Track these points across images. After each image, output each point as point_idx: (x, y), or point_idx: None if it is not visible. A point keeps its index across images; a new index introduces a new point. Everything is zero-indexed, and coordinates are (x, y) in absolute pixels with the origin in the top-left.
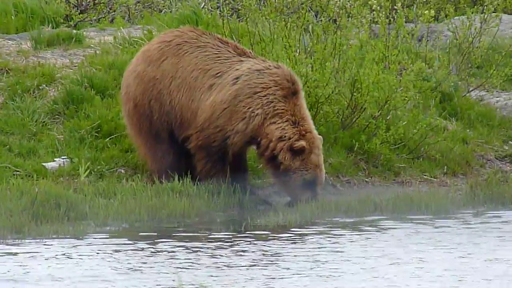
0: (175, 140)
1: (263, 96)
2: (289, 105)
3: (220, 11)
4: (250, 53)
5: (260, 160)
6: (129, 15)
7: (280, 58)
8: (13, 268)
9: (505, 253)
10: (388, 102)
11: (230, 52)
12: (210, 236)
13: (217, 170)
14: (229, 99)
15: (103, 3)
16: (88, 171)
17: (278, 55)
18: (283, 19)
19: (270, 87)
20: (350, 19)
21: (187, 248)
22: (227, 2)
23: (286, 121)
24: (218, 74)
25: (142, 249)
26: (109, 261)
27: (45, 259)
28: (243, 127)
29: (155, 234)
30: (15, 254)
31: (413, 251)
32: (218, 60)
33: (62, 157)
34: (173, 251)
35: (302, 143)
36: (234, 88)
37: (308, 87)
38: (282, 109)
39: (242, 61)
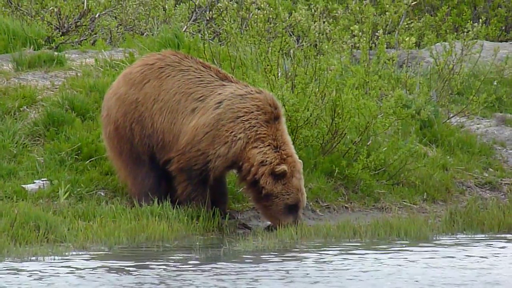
0: (156, 163)
1: (246, 121)
2: (271, 130)
3: (201, 34)
4: (232, 77)
5: (241, 185)
6: (111, 37)
7: (257, 82)
8: None
9: None
10: (369, 127)
11: (213, 76)
12: (188, 260)
13: (197, 194)
14: (212, 123)
15: (84, 25)
16: (68, 193)
17: (255, 79)
18: (264, 43)
19: (253, 112)
20: (330, 44)
21: (164, 271)
22: (208, 25)
23: (268, 145)
24: (201, 98)
25: (120, 272)
26: (86, 284)
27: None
28: (225, 151)
29: (134, 257)
30: None
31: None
32: (201, 84)
33: (42, 179)
34: (150, 275)
35: (284, 167)
36: (217, 112)
37: (287, 110)
38: (264, 134)
39: (224, 85)
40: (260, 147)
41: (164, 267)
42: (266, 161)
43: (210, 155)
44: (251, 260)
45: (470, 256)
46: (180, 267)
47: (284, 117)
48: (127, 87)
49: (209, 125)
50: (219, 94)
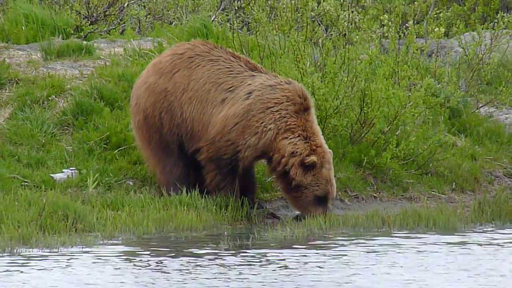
0: (184, 153)
1: (276, 111)
2: (301, 121)
3: (230, 24)
4: (262, 68)
5: (271, 175)
6: (139, 27)
7: (289, 71)
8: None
9: None
10: (398, 117)
11: (242, 66)
12: (218, 250)
13: (226, 183)
14: (242, 113)
15: (113, 14)
16: (96, 182)
17: (287, 68)
18: (293, 33)
19: (282, 103)
20: (359, 34)
21: (195, 261)
22: (237, 15)
23: (298, 136)
24: (231, 89)
25: (149, 262)
26: (115, 274)
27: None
28: (255, 142)
29: (163, 246)
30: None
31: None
32: (231, 74)
33: (71, 168)
34: (181, 264)
35: (313, 158)
36: (247, 103)
37: (316, 100)
38: (294, 125)
39: (254, 76)
40: (290, 138)
41: (193, 256)
42: (296, 152)
43: (240, 145)
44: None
45: None
46: (209, 257)
47: (313, 108)
48: (157, 76)
49: (239, 115)
50: (249, 84)
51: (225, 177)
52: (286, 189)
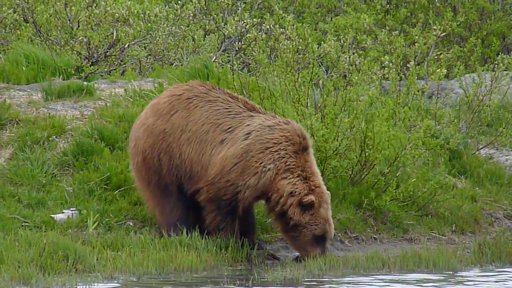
0: (184, 194)
1: (275, 152)
2: (300, 161)
3: (230, 65)
4: (260, 108)
5: (270, 215)
6: (140, 67)
7: (288, 113)
8: None
9: None
10: (398, 159)
11: (241, 107)
12: None
13: (226, 224)
14: (241, 154)
15: (114, 55)
16: (97, 223)
17: (285, 110)
18: (293, 73)
19: (281, 143)
20: (359, 75)
21: None
22: (238, 56)
23: (297, 176)
24: (229, 129)
25: None
26: None
27: None
28: (254, 182)
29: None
30: None
31: None
32: (229, 115)
33: (71, 208)
34: None
35: (311, 197)
36: (246, 143)
37: (316, 141)
38: (294, 165)
39: (252, 116)
40: (290, 178)
41: None
42: (295, 192)
43: (240, 186)
44: None
45: None
46: None
47: (312, 148)
48: (155, 117)
49: (238, 156)
50: (248, 125)
51: (225, 218)
52: (285, 229)
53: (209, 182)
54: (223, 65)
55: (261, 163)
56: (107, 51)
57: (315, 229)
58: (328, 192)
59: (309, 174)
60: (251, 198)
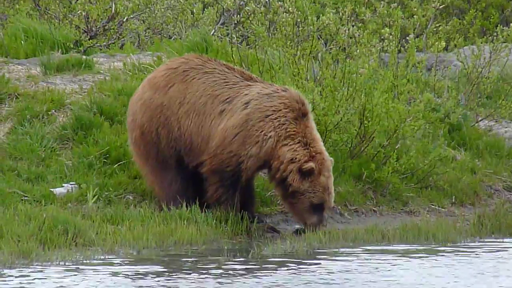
0: (183, 167)
1: (275, 119)
2: (300, 127)
3: (229, 38)
4: (257, 78)
5: (271, 183)
6: (139, 41)
7: (287, 86)
8: None
9: None
10: (397, 131)
11: (237, 77)
12: (218, 264)
13: (227, 196)
14: (241, 124)
15: (113, 29)
16: (96, 197)
17: (285, 83)
18: (292, 47)
19: (281, 110)
20: (358, 47)
21: (194, 274)
22: (236, 29)
23: (298, 142)
24: (228, 100)
25: (149, 276)
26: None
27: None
28: (256, 151)
29: (163, 261)
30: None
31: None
32: (227, 85)
33: (71, 183)
34: (180, 278)
35: (311, 164)
36: (245, 113)
37: (316, 115)
38: (294, 131)
39: (250, 85)
40: (290, 145)
41: (193, 271)
42: (295, 158)
43: (242, 156)
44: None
45: None
46: (209, 271)
47: (311, 113)
48: (152, 91)
49: (238, 126)
50: (246, 94)
51: (227, 190)
52: (284, 195)
53: (212, 154)
54: (222, 38)
55: (261, 131)
56: (106, 25)
57: (313, 197)
58: (331, 158)
59: (309, 140)
60: (254, 167)
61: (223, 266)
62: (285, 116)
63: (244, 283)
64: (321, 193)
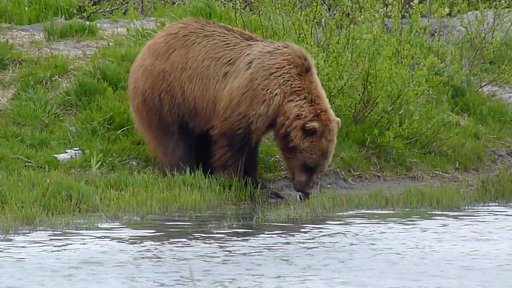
0: (185, 133)
1: (279, 76)
2: (305, 83)
3: (233, 4)
4: (257, 37)
5: (275, 139)
6: (142, 7)
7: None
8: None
9: None
10: (401, 96)
11: (238, 38)
12: (221, 229)
13: (234, 161)
14: (246, 84)
15: None
16: (100, 163)
17: None
18: (296, 12)
19: (284, 66)
20: (362, 12)
21: (199, 240)
22: None
23: (303, 98)
24: (230, 61)
25: (154, 241)
26: (119, 252)
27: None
28: (264, 110)
29: (167, 226)
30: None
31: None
32: (228, 47)
33: (74, 148)
34: (185, 244)
35: (315, 124)
36: (249, 72)
37: (320, 80)
38: (299, 87)
39: (251, 45)
40: (296, 101)
41: (198, 237)
42: (301, 115)
43: (252, 116)
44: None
45: None
46: (213, 237)
47: (315, 68)
48: (153, 58)
49: (243, 86)
50: (248, 54)
51: (235, 154)
52: (283, 148)
53: (222, 118)
54: (225, 4)
55: (267, 89)
56: None
57: (308, 157)
58: (338, 119)
59: (314, 97)
60: (264, 127)
61: (226, 231)
62: (289, 73)
63: (244, 246)
64: (317, 156)
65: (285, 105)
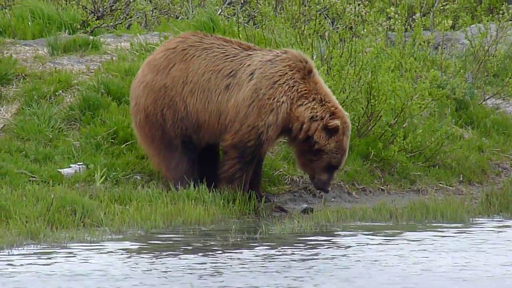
0: (188, 148)
1: (283, 83)
2: (310, 85)
3: (236, 18)
4: (255, 46)
5: (292, 145)
6: (146, 21)
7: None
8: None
9: None
10: (404, 109)
11: (237, 48)
12: (225, 243)
13: (242, 173)
14: (251, 95)
15: (119, 9)
16: (104, 177)
17: None
18: (299, 26)
19: (287, 73)
20: (365, 26)
21: (203, 254)
22: (243, 9)
23: (312, 100)
24: (231, 73)
25: (157, 255)
26: (123, 267)
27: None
28: (274, 119)
29: (171, 240)
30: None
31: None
32: (227, 58)
33: (78, 163)
34: (189, 258)
35: (336, 122)
36: (252, 83)
37: None
38: (305, 90)
39: (250, 55)
40: (306, 104)
41: (202, 250)
42: (316, 116)
43: (261, 127)
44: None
45: None
46: (218, 251)
47: (316, 69)
48: (153, 74)
49: (249, 98)
50: (248, 65)
51: (244, 166)
52: (306, 151)
53: (232, 133)
54: (228, 18)
55: (274, 98)
56: (113, 5)
57: (334, 158)
58: (347, 113)
59: (322, 96)
60: (274, 136)
61: (231, 243)
62: (293, 78)
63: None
64: (341, 156)
65: (296, 111)
